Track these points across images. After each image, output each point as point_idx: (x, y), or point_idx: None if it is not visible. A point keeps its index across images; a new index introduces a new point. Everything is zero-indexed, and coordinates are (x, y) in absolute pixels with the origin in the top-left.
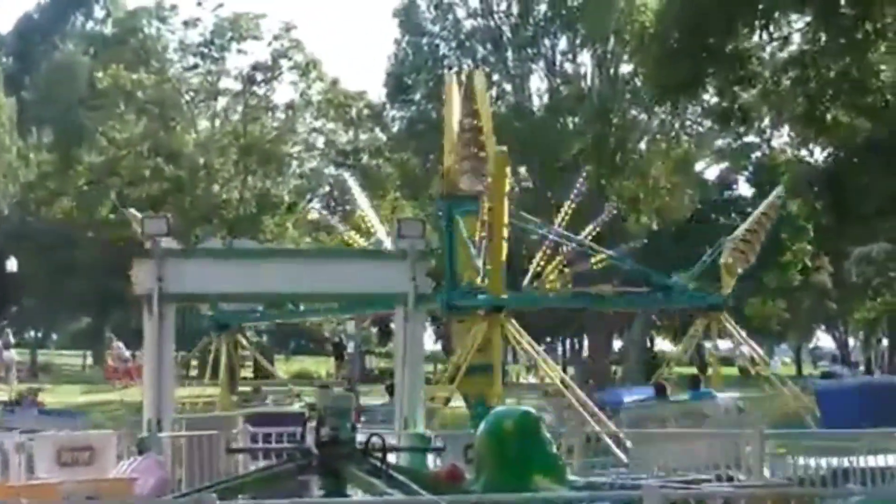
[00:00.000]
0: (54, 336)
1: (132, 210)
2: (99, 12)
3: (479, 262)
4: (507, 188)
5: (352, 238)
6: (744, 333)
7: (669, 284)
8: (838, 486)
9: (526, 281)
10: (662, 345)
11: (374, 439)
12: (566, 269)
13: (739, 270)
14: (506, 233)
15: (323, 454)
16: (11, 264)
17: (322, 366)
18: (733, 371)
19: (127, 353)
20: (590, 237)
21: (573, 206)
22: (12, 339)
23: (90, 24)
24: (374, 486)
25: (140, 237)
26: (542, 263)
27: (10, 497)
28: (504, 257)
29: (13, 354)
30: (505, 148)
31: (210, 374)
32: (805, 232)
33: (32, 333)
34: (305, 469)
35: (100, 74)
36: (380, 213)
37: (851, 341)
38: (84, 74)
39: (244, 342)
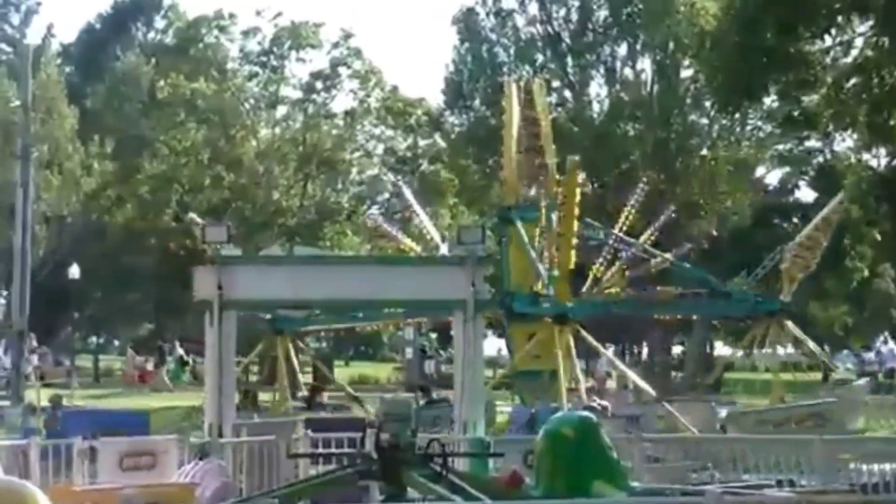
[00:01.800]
0: (116, 342)
1: (192, 215)
2: (160, 22)
3: (542, 269)
4: (577, 197)
5: (407, 246)
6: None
7: (728, 290)
8: None
9: (585, 286)
10: (723, 350)
11: (434, 444)
12: (626, 274)
13: (800, 276)
14: (574, 241)
15: (383, 459)
16: (74, 271)
17: (381, 371)
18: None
19: (140, 361)
20: (649, 241)
21: (633, 210)
22: (35, 344)
23: (151, 35)
24: (434, 492)
25: (201, 244)
26: (601, 268)
27: (74, 501)
28: (571, 265)
29: (34, 360)
30: (577, 157)
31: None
32: (867, 237)
33: (94, 339)
34: (366, 474)
35: (160, 84)
36: (439, 220)
37: None
38: (145, 84)
39: (300, 346)
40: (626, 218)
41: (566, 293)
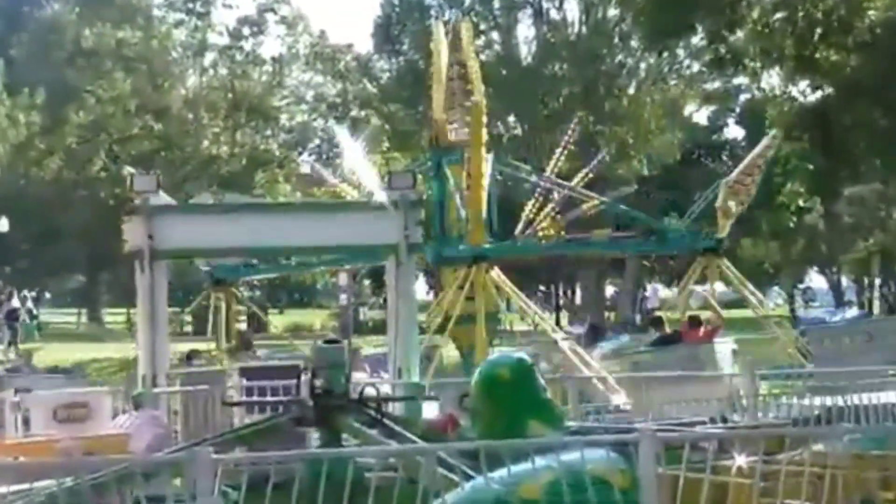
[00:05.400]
0: (48, 295)
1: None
2: None
3: (463, 213)
4: (485, 137)
5: (343, 190)
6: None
7: (662, 228)
8: (832, 425)
9: (518, 229)
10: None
11: (369, 390)
12: (558, 216)
13: (735, 211)
14: (486, 182)
15: (318, 406)
16: (3, 224)
17: (316, 319)
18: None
19: None
20: (581, 183)
21: (564, 152)
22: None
23: None
24: (369, 437)
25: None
26: (533, 211)
27: (7, 454)
28: (484, 206)
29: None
30: (478, 98)
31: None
32: (797, 173)
33: (26, 293)
34: (301, 421)
35: (86, 33)
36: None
37: (844, 281)
38: (71, 33)
39: (239, 296)
40: (558, 160)
41: (481, 235)
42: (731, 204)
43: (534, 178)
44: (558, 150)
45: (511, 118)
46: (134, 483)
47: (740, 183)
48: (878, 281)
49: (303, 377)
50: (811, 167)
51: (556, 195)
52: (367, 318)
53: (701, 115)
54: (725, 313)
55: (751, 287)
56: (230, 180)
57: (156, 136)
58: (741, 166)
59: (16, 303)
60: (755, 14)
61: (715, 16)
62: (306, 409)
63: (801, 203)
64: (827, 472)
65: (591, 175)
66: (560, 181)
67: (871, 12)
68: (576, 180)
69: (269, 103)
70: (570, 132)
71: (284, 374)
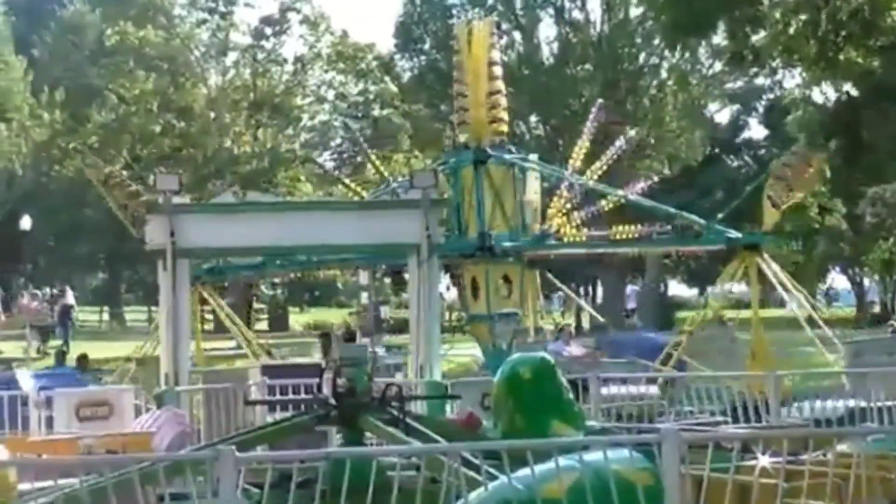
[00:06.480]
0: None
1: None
2: None
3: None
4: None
5: (356, 192)
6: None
7: (701, 225)
8: (856, 426)
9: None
10: (677, 289)
11: (391, 388)
12: (574, 213)
13: (782, 202)
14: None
15: (340, 405)
16: (25, 222)
17: (336, 317)
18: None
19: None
20: (598, 173)
21: (589, 139)
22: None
23: None
24: (391, 436)
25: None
26: (556, 208)
27: (31, 452)
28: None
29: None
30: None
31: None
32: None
33: (48, 290)
34: (323, 420)
35: (108, 32)
36: (393, 164)
37: (867, 282)
38: (93, 32)
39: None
40: (580, 152)
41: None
42: (778, 194)
43: (563, 174)
44: (580, 142)
45: (533, 118)
46: (157, 481)
47: (789, 167)
48: None
49: (325, 375)
50: (833, 168)
51: (566, 191)
52: (388, 317)
53: (723, 115)
54: (745, 313)
55: (790, 284)
56: (252, 179)
57: (178, 136)
58: (794, 148)
59: (70, 299)
60: (777, 14)
61: (734, 11)
62: (328, 407)
63: (818, 204)
64: (851, 473)
65: (607, 165)
66: (578, 176)
67: (895, 13)
68: (588, 174)
69: (291, 103)
70: (591, 117)
71: (307, 372)
